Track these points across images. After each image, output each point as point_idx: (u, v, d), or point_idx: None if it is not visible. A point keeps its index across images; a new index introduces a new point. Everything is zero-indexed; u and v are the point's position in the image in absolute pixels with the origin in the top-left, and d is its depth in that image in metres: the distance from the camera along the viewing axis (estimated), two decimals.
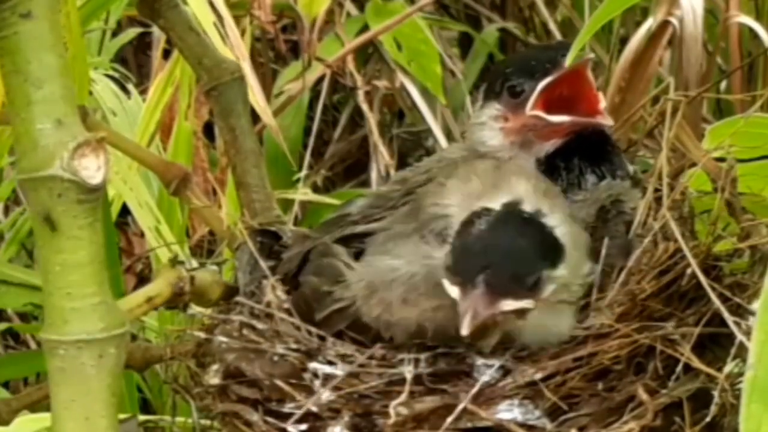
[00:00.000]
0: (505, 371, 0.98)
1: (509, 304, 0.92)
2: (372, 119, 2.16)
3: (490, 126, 1.13)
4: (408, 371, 0.98)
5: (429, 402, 0.97)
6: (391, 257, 1.03)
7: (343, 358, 1.01)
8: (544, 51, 1.16)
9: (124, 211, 1.71)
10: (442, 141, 2.13)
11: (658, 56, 1.93)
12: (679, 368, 0.99)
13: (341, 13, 2.20)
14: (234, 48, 1.36)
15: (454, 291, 0.94)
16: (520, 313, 0.94)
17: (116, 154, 1.27)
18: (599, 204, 1.07)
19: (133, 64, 2.37)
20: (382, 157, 2.13)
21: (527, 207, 0.97)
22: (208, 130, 1.89)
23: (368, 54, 2.26)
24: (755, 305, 1.00)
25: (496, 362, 0.98)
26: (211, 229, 1.29)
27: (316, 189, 2.17)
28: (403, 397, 0.97)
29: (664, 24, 1.90)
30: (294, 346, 1.02)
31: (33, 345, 1.98)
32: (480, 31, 2.46)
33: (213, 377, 1.07)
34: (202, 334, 1.10)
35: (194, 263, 1.17)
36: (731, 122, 1.10)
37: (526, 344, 0.99)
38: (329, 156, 2.34)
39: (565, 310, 0.99)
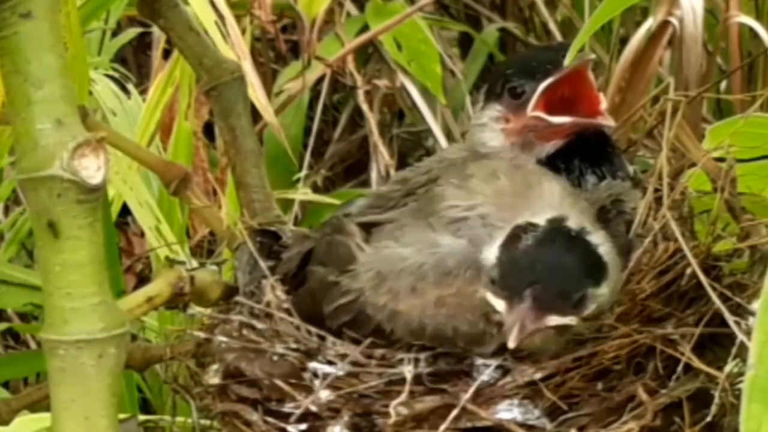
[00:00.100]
0: (505, 371, 0.98)
1: (555, 320, 0.94)
2: (372, 119, 2.16)
3: (491, 127, 1.13)
4: (408, 371, 0.98)
5: (429, 402, 0.97)
6: (399, 245, 1.03)
7: (343, 357, 1.01)
8: (544, 52, 1.16)
9: (124, 211, 1.71)
10: (442, 141, 2.13)
11: (658, 56, 1.93)
12: (679, 368, 0.99)
13: (341, 13, 2.20)
14: (235, 47, 1.36)
15: (500, 304, 0.95)
16: (563, 329, 0.95)
17: (116, 154, 1.27)
18: (599, 204, 1.07)
19: (133, 64, 2.37)
20: (382, 157, 2.13)
21: (572, 224, 0.97)
22: (208, 130, 1.89)
23: (368, 54, 2.26)
24: (755, 305, 1.00)
25: (496, 362, 0.98)
26: (211, 229, 1.29)
27: (316, 189, 2.17)
28: (403, 396, 0.97)
29: (664, 24, 1.90)
30: (294, 345, 1.02)
31: (33, 345, 1.98)
32: (480, 31, 2.45)
33: (213, 377, 1.07)
34: (202, 334, 1.10)
35: (194, 263, 1.17)
36: (731, 122, 1.10)
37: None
38: (329, 156, 2.34)
39: None
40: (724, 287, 1.03)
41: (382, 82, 2.23)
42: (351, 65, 2.18)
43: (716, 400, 0.97)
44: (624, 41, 2.01)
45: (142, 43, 2.33)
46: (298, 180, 2.00)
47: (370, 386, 0.99)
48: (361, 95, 2.18)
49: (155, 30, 2.10)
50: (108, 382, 0.94)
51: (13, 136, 0.94)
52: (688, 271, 1.01)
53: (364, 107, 2.17)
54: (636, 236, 1.06)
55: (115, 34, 2.12)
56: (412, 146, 2.34)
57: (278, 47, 2.23)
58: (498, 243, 0.98)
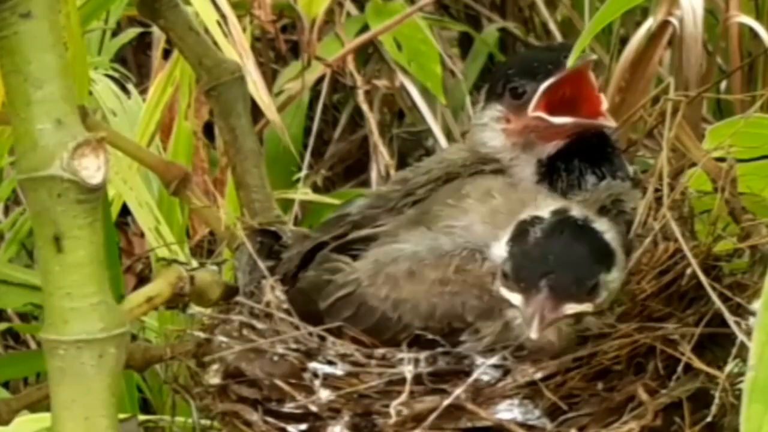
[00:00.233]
0: (505, 371, 0.98)
1: (572, 308, 0.95)
2: (372, 119, 2.16)
3: (492, 127, 1.13)
4: (408, 371, 0.98)
5: (429, 402, 0.97)
6: (397, 243, 1.04)
7: (343, 357, 1.01)
8: (546, 52, 1.16)
9: (124, 211, 1.71)
10: (442, 141, 2.13)
11: (658, 56, 1.93)
12: (680, 368, 0.99)
13: (341, 13, 2.20)
14: (237, 46, 1.36)
15: (516, 298, 0.96)
16: (579, 316, 0.97)
17: (116, 154, 1.27)
18: (599, 204, 1.07)
19: (133, 64, 2.37)
20: (382, 157, 2.13)
21: (576, 213, 0.99)
22: (208, 130, 1.89)
23: (368, 54, 2.26)
24: (755, 305, 1.00)
25: (496, 362, 0.98)
26: (211, 229, 1.29)
27: (316, 189, 2.17)
28: (403, 396, 0.97)
29: (664, 24, 1.90)
30: (294, 345, 1.02)
31: (33, 345, 1.98)
32: (480, 31, 2.45)
33: (213, 377, 1.07)
34: (202, 334, 1.10)
35: (194, 263, 1.17)
36: (731, 122, 1.10)
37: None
38: (329, 156, 2.34)
39: None
40: (724, 287, 1.03)
41: (382, 82, 2.23)
42: (351, 65, 2.18)
43: (716, 401, 0.97)
44: (624, 41, 2.01)
45: (142, 43, 2.33)
46: (298, 180, 2.00)
47: (370, 386, 0.99)
48: (361, 95, 2.18)
49: (155, 30, 2.10)
50: (108, 382, 0.94)
51: (13, 136, 0.94)
52: (689, 271, 1.01)
53: (364, 107, 2.17)
54: (636, 236, 1.06)
55: (115, 34, 2.12)
56: (412, 146, 2.34)
57: (278, 47, 2.23)
58: (505, 239, 0.98)
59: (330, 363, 1.01)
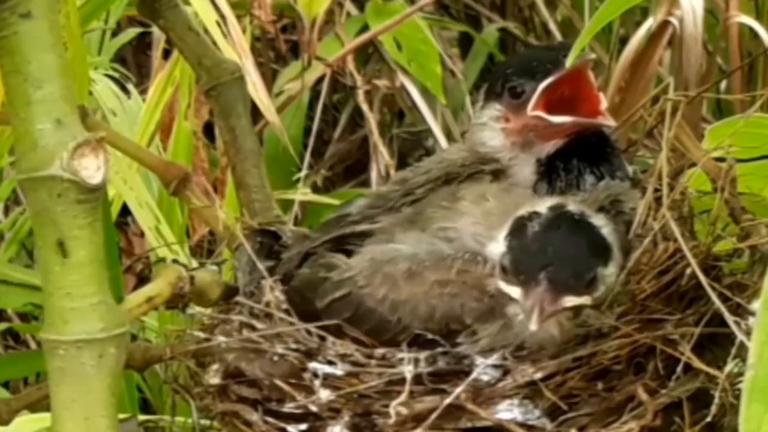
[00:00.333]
0: (505, 371, 0.98)
1: (571, 300, 0.96)
2: (372, 119, 2.16)
3: (491, 126, 1.13)
4: (408, 371, 0.98)
5: (429, 402, 0.97)
6: (393, 243, 1.04)
7: (343, 357, 1.01)
8: (545, 51, 1.16)
9: (124, 211, 1.71)
10: (442, 141, 2.13)
11: (658, 56, 1.93)
12: (679, 368, 0.99)
13: (341, 13, 2.20)
14: (236, 46, 1.36)
15: (515, 291, 0.96)
16: (578, 310, 0.97)
17: (116, 154, 1.27)
18: (598, 204, 1.07)
19: (133, 64, 2.37)
20: (382, 157, 2.13)
21: (572, 208, 1.00)
22: (208, 130, 1.89)
23: (368, 54, 2.26)
24: (755, 305, 1.00)
25: (496, 362, 0.98)
26: (211, 229, 1.29)
27: (316, 189, 2.17)
28: (402, 396, 0.97)
29: (664, 24, 1.90)
30: (293, 345, 1.02)
31: (33, 345, 1.98)
32: (480, 31, 2.45)
33: (213, 377, 1.07)
34: (202, 334, 1.09)
35: (194, 263, 1.17)
36: (731, 122, 1.10)
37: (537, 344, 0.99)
38: (329, 156, 2.34)
39: None
40: (723, 287, 1.03)
41: (382, 82, 2.23)
42: (351, 65, 2.18)
43: (716, 400, 0.97)
44: (624, 41, 2.01)
45: (142, 43, 2.33)
46: (298, 180, 2.00)
47: (370, 386, 0.99)
48: (361, 95, 2.18)
49: (155, 30, 2.10)
50: (108, 382, 0.94)
51: (13, 136, 0.94)
52: (688, 271, 1.01)
53: (364, 107, 2.17)
54: (636, 236, 1.06)
55: (115, 34, 2.11)
56: (412, 146, 2.34)
57: (278, 47, 2.23)
58: (502, 235, 0.99)
59: (330, 363, 1.01)
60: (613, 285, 0.99)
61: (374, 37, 2.13)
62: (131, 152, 1.29)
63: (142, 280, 1.94)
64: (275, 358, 1.02)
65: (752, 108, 1.09)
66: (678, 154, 1.11)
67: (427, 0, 2.15)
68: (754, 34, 2.02)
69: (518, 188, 1.10)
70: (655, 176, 1.07)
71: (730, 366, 1.00)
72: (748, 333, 0.95)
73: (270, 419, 1.02)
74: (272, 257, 1.12)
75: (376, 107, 2.24)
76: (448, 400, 0.96)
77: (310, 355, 1.02)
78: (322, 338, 1.02)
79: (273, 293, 1.06)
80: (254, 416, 1.03)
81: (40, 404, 1.20)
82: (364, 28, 2.17)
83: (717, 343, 1.03)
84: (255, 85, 1.34)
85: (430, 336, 0.99)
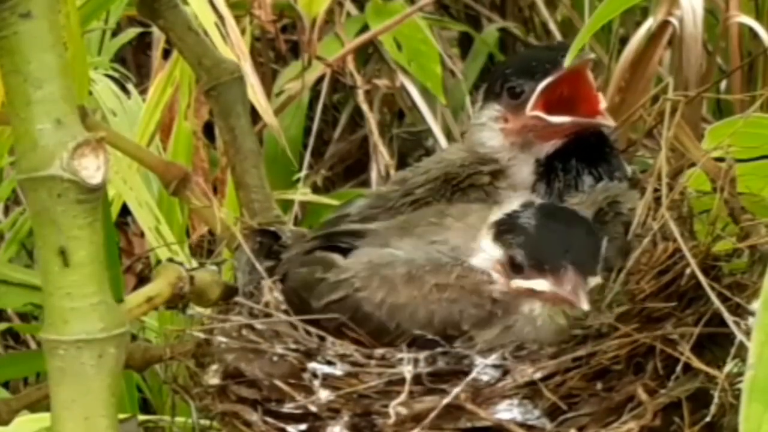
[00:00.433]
0: (505, 371, 0.98)
1: (593, 281, 0.97)
2: (372, 119, 2.16)
3: (490, 127, 1.13)
4: (407, 371, 0.98)
5: (428, 402, 0.97)
6: (390, 248, 1.04)
7: (343, 357, 1.01)
8: (544, 51, 1.16)
9: (124, 211, 1.71)
10: (442, 141, 2.13)
11: (658, 56, 1.93)
12: (679, 368, 0.99)
13: (341, 13, 2.20)
14: (235, 48, 1.36)
15: (539, 283, 0.97)
16: (593, 290, 0.98)
17: (116, 154, 1.27)
18: (596, 206, 1.07)
19: (133, 64, 2.37)
20: (382, 157, 2.13)
21: (544, 201, 1.03)
22: (208, 130, 1.88)
23: (368, 54, 2.26)
24: (754, 305, 1.00)
25: (496, 362, 0.98)
26: (211, 229, 1.29)
27: (316, 189, 2.17)
28: (402, 397, 0.97)
29: (664, 24, 1.90)
30: (293, 346, 1.02)
31: (33, 345, 1.98)
32: (480, 31, 2.45)
33: (212, 377, 1.07)
34: (201, 334, 1.10)
35: (194, 263, 1.17)
36: (730, 122, 1.10)
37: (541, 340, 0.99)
38: (329, 156, 2.34)
39: None
40: (723, 287, 1.03)
41: (382, 82, 2.23)
42: (351, 65, 2.18)
43: (715, 400, 0.97)
44: (624, 41, 2.01)
45: (142, 43, 2.33)
46: (297, 180, 2.00)
47: (369, 386, 0.99)
48: (361, 95, 2.18)
49: (155, 30, 2.10)
50: (108, 382, 0.94)
51: (13, 136, 0.94)
52: (688, 271, 1.01)
53: (364, 107, 2.17)
54: (635, 236, 1.06)
55: (115, 34, 2.12)
56: (412, 146, 2.34)
57: (278, 47, 2.23)
58: (486, 242, 0.99)
59: (329, 363, 1.01)
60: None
61: (374, 37, 2.13)
62: (131, 152, 1.29)
63: (142, 280, 1.94)
64: (275, 358, 1.02)
65: (752, 108, 1.09)
66: (677, 154, 1.11)
67: (427, 0, 2.15)
68: (754, 34, 2.01)
69: (519, 186, 1.10)
70: (655, 176, 1.07)
71: (729, 366, 1.00)
72: (747, 333, 0.95)
73: (269, 419, 1.02)
74: (272, 257, 1.12)
75: (376, 107, 2.24)
76: (447, 400, 0.96)
77: (309, 355, 1.02)
78: (322, 338, 1.02)
79: (272, 293, 1.06)
80: (254, 416, 1.03)
81: (40, 404, 1.20)
82: (364, 28, 2.17)
83: (716, 343, 1.03)
84: (253, 88, 1.34)
85: (430, 336, 0.99)
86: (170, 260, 1.14)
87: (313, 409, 1.00)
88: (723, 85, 2.12)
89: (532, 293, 0.98)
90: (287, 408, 1.01)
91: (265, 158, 1.42)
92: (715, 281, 1.03)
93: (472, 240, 1.02)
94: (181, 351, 1.12)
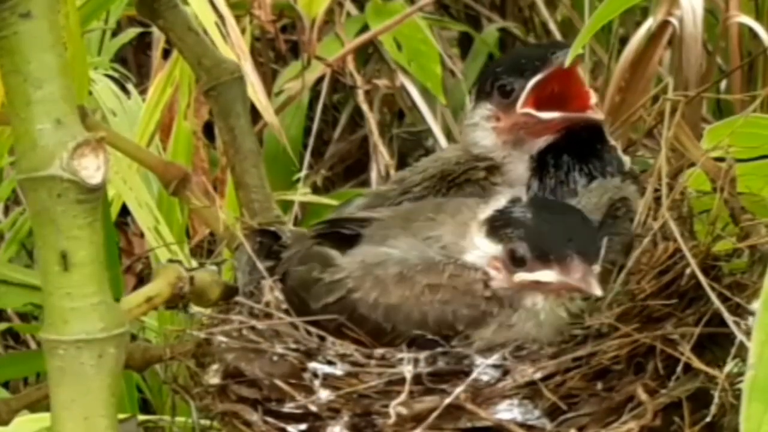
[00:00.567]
0: (505, 371, 0.98)
1: (597, 268, 0.97)
2: (372, 119, 2.16)
3: (483, 126, 1.13)
4: (407, 371, 0.98)
5: (428, 402, 0.97)
6: (386, 247, 1.04)
7: (343, 357, 1.01)
8: (533, 49, 1.17)
9: (124, 211, 1.71)
10: (442, 141, 2.13)
11: (658, 56, 1.93)
12: (679, 368, 0.99)
13: (341, 13, 2.20)
14: (235, 47, 1.36)
15: (546, 274, 0.97)
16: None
17: (116, 154, 1.27)
18: (602, 209, 1.07)
19: (133, 64, 2.37)
20: (382, 157, 2.13)
21: (529, 196, 1.03)
22: (208, 130, 1.89)
23: (368, 54, 2.26)
24: (755, 305, 1.00)
25: (496, 362, 0.98)
26: (211, 229, 1.29)
27: (315, 189, 2.17)
28: (402, 396, 0.97)
29: (664, 24, 1.90)
30: (293, 345, 1.02)
31: (33, 345, 1.98)
32: (480, 31, 2.46)
33: (212, 377, 1.07)
34: (201, 334, 1.10)
35: (194, 263, 1.17)
36: (730, 122, 1.10)
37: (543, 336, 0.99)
38: (329, 156, 2.34)
39: None
40: (723, 287, 1.03)
41: (382, 82, 2.23)
42: (351, 65, 2.18)
43: (716, 400, 0.97)
44: (624, 41, 2.02)
45: (142, 43, 2.33)
46: (297, 180, 2.00)
47: (369, 386, 0.99)
48: (361, 95, 2.18)
49: (155, 30, 2.10)
50: (108, 382, 0.94)
51: (13, 136, 0.94)
52: (688, 271, 1.01)
53: (364, 107, 2.17)
54: (635, 236, 1.06)
55: (115, 34, 2.12)
56: (412, 146, 2.34)
57: (278, 47, 2.23)
58: (479, 239, 0.99)
59: (330, 363, 1.01)
60: None
61: (374, 37, 2.13)
62: (131, 152, 1.29)
63: (142, 280, 1.94)
64: (275, 358, 1.02)
65: (751, 107, 1.09)
66: (677, 154, 1.11)
67: (427, 0, 2.15)
68: (754, 34, 2.02)
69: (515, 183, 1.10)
70: (655, 176, 1.07)
71: (729, 366, 1.00)
72: (747, 333, 0.95)
73: (270, 419, 1.02)
74: (272, 257, 1.12)
75: (376, 107, 2.24)
76: (447, 400, 0.96)
77: (309, 355, 1.02)
78: (322, 338, 1.02)
79: (272, 293, 1.06)
80: (254, 416, 1.03)
81: (40, 404, 1.20)
82: (364, 28, 2.17)
83: (717, 343, 1.03)
84: (254, 87, 1.34)
85: (429, 336, 0.99)
86: (171, 260, 1.14)
87: (313, 408, 1.00)
88: (723, 85, 2.12)
89: (536, 285, 0.97)
90: (287, 408, 1.01)
91: (265, 158, 1.42)
92: (715, 281, 1.03)
93: (462, 238, 1.02)
94: (181, 351, 1.12)
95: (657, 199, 1.07)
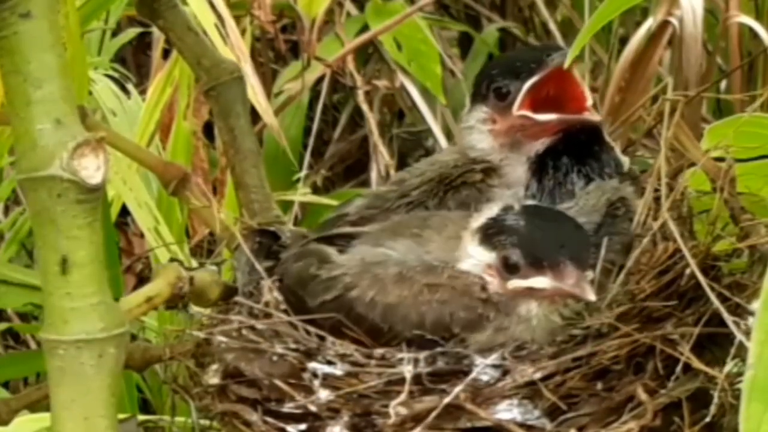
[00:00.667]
0: (504, 371, 0.98)
1: (590, 274, 0.98)
2: (372, 119, 2.16)
3: (479, 129, 1.13)
4: (407, 371, 0.98)
5: (428, 402, 0.97)
6: (384, 248, 1.04)
7: (343, 357, 1.01)
8: (529, 52, 1.17)
9: (124, 211, 1.71)
10: (442, 141, 2.13)
11: (658, 56, 1.93)
12: (679, 368, 0.99)
13: (341, 13, 2.20)
14: (235, 49, 1.36)
15: (539, 281, 0.97)
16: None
17: (116, 154, 1.27)
18: (601, 210, 1.07)
19: (133, 64, 2.37)
20: (382, 157, 2.13)
21: (521, 203, 1.02)
22: (208, 130, 1.88)
23: (368, 54, 2.26)
24: (754, 305, 1.00)
25: (496, 362, 0.98)
26: (210, 229, 1.29)
27: (315, 189, 2.17)
28: (402, 397, 0.97)
29: (664, 24, 1.90)
30: (293, 345, 1.02)
31: (33, 345, 1.98)
32: (480, 31, 2.45)
33: (212, 377, 1.07)
34: (201, 334, 1.10)
35: (194, 263, 1.17)
36: (730, 122, 1.10)
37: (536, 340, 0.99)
38: (329, 156, 2.34)
39: None
40: (723, 287, 1.03)
41: (382, 82, 2.23)
42: (351, 65, 2.18)
43: (715, 400, 0.97)
44: (624, 41, 2.01)
45: (142, 43, 2.33)
46: (297, 180, 2.00)
47: (369, 386, 0.99)
48: (361, 95, 2.18)
49: (155, 30, 2.10)
50: (108, 382, 0.94)
51: (13, 136, 0.94)
52: (688, 271, 1.01)
53: (364, 107, 2.17)
54: (635, 236, 1.06)
55: (115, 34, 2.11)
56: (412, 146, 2.34)
57: (278, 47, 2.23)
58: (472, 246, 0.99)
59: (329, 363, 1.01)
60: None
61: (374, 37, 2.13)
62: (131, 152, 1.29)
63: (142, 280, 1.94)
64: (275, 358, 1.02)
65: (751, 107, 1.09)
66: (677, 154, 1.11)
67: (427, 0, 2.15)
68: (754, 34, 2.01)
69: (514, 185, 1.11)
70: (655, 176, 1.07)
71: (729, 366, 1.00)
72: (747, 333, 0.95)
73: (269, 419, 1.02)
74: (271, 257, 1.12)
75: (376, 107, 2.24)
76: (447, 400, 0.96)
77: (309, 355, 1.02)
78: (322, 338, 1.02)
79: (272, 293, 1.06)
80: (254, 416, 1.03)
81: (40, 404, 1.20)
82: (364, 28, 2.17)
83: (716, 343, 1.03)
84: (253, 88, 1.34)
85: (429, 336, 0.99)
86: (172, 260, 1.14)
87: (313, 408, 1.00)
88: (723, 85, 2.12)
89: (530, 292, 0.98)
90: (287, 408, 1.01)
91: (265, 158, 1.42)
92: (714, 281, 1.03)
93: (452, 250, 1.02)
94: (181, 351, 1.12)
95: (657, 199, 1.07)
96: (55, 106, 0.92)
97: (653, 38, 1.90)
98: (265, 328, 1.05)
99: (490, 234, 1.00)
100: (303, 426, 1.01)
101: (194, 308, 1.14)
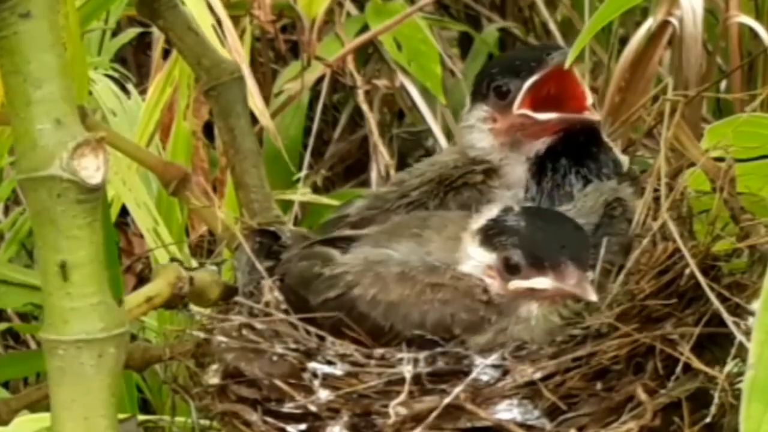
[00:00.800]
0: (504, 371, 0.98)
1: (591, 274, 0.98)
2: (372, 119, 2.16)
3: (479, 128, 1.13)
4: (407, 371, 0.98)
5: (428, 402, 0.97)
6: (387, 249, 1.04)
7: (343, 357, 1.01)
8: (529, 51, 1.17)
9: (124, 211, 1.71)
10: (442, 141, 2.13)
11: (658, 56, 1.93)
12: (679, 368, 0.99)
13: (341, 13, 2.20)
14: (233, 51, 1.37)
15: (540, 281, 0.97)
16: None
17: (116, 154, 1.27)
18: (599, 212, 1.07)
19: (133, 64, 2.37)
20: (382, 157, 2.13)
21: (521, 204, 1.03)
22: (208, 130, 1.88)
23: (368, 54, 2.26)
24: (754, 305, 1.00)
25: (495, 362, 0.98)
26: (211, 229, 1.29)
27: (315, 189, 2.17)
28: (402, 396, 0.97)
29: (664, 24, 1.90)
30: (293, 345, 1.02)
31: (33, 345, 1.98)
32: (480, 31, 2.46)
33: (212, 377, 1.07)
34: (201, 334, 1.10)
35: (194, 263, 1.17)
36: (730, 122, 1.10)
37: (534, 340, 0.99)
38: (329, 156, 2.34)
39: None
40: (723, 287, 1.03)
41: (382, 82, 2.23)
42: (351, 65, 2.18)
43: (715, 400, 0.97)
44: (624, 41, 2.01)
45: (142, 43, 2.33)
46: (297, 180, 2.00)
47: (369, 386, 0.99)
48: (361, 95, 2.18)
49: (155, 30, 2.10)
50: (107, 382, 0.94)
51: (12, 136, 0.94)
52: (687, 271, 1.01)
53: (364, 107, 2.17)
54: (635, 236, 1.06)
55: (115, 34, 2.12)
56: (412, 146, 2.34)
57: (278, 47, 2.23)
58: (473, 248, 0.99)
59: (329, 363, 1.01)
60: None
61: (374, 37, 2.13)
62: (131, 152, 1.29)
63: (142, 280, 1.94)
64: (275, 358, 1.02)
65: (750, 106, 1.09)
66: (677, 154, 1.11)
67: (427, 0, 2.15)
68: (754, 34, 2.01)
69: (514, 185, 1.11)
70: (654, 176, 1.07)
71: (729, 366, 1.00)
72: (747, 333, 0.95)
73: (269, 419, 1.02)
74: (271, 257, 1.12)
75: (376, 107, 2.24)
76: (447, 400, 0.96)
77: (309, 355, 1.02)
78: (322, 338, 1.02)
79: (272, 293, 1.06)
80: (254, 416, 1.03)
81: (40, 404, 1.20)
82: (364, 28, 2.17)
83: (716, 343, 1.03)
84: (251, 90, 1.34)
85: (429, 336, 1.00)
86: (172, 260, 1.14)
87: (312, 408, 1.00)
88: (723, 85, 2.12)
89: (531, 293, 0.98)
90: (287, 408, 1.01)
91: (265, 158, 1.42)
92: (714, 281, 1.03)
93: (452, 251, 1.02)
94: (181, 351, 1.12)
95: (656, 199, 1.07)
96: (55, 106, 0.92)
97: (653, 38, 1.90)
98: (265, 328, 1.05)
99: (490, 235, 1.00)
100: (303, 426, 1.01)
101: (194, 308, 1.14)
